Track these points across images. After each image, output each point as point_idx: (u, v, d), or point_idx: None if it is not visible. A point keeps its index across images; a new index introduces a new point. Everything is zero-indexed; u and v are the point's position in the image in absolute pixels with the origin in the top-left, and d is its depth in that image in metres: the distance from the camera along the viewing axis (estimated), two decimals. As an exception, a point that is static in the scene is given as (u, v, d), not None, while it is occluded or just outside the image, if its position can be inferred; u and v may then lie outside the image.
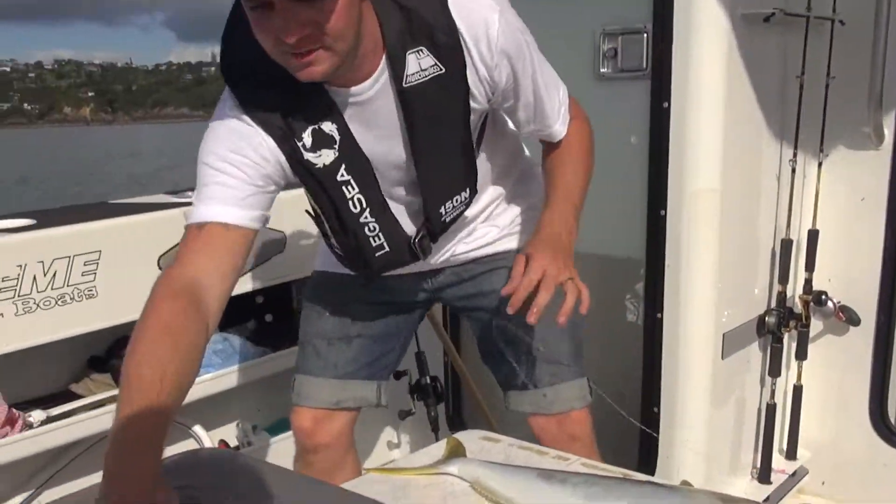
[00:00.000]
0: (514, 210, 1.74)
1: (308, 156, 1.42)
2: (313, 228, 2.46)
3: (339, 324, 1.76)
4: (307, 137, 1.41)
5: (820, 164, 2.28)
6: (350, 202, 1.49)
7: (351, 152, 1.44)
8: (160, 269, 2.20)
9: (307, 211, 1.70)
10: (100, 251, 2.10)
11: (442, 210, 1.55)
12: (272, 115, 1.39)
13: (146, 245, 2.19)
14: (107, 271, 2.12)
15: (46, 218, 2.17)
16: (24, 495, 2.20)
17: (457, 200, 1.56)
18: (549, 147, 1.63)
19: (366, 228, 1.53)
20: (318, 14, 1.20)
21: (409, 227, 1.58)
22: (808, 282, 2.36)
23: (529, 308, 1.35)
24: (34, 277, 2.01)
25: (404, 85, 1.39)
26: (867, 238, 2.34)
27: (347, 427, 1.81)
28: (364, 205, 1.50)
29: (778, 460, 2.45)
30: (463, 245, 1.71)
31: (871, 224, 2.32)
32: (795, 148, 2.24)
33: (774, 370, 2.38)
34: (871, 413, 2.42)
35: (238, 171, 1.36)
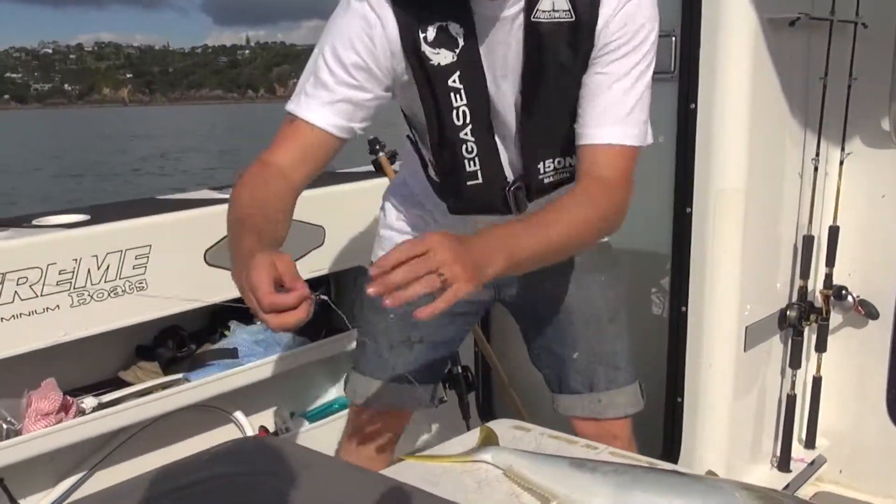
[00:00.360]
0: None
1: (426, 49, 1.37)
2: (352, 222, 2.51)
3: (402, 327, 1.70)
4: (431, 31, 1.36)
5: (841, 163, 2.28)
6: (455, 112, 1.42)
7: (469, 62, 1.39)
8: (206, 262, 2.24)
9: (407, 136, 1.64)
10: (150, 245, 2.14)
11: (541, 167, 1.49)
12: (407, 1, 1.36)
13: (193, 239, 2.23)
14: (156, 264, 2.16)
15: (99, 213, 2.21)
16: (76, 477, 2.25)
17: (559, 163, 1.49)
18: (581, 178, 1.43)
19: (464, 147, 1.45)
20: None
21: (507, 170, 1.51)
22: (829, 276, 2.36)
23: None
24: (88, 271, 2.06)
25: (532, 18, 1.35)
26: (886, 234, 2.34)
27: (400, 426, 1.81)
28: (468, 119, 1.42)
29: (797, 449, 2.45)
30: None
31: (891, 220, 2.32)
32: (818, 147, 2.24)
33: (795, 362, 2.38)
34: (889, 404, 2.42)
35: (342, 73, 1.36)
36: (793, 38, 2.12)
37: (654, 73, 2.11)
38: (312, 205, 2.48)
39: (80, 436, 2.09)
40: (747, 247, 2.16)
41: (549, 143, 1.47)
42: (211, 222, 2.25)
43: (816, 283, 2.39)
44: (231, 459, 1.25)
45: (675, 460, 2.22)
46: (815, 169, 2.26)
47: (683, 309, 2.21)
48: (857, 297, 2.39)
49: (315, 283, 2.60)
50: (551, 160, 1.49)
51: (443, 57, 1.37)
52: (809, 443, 2.48)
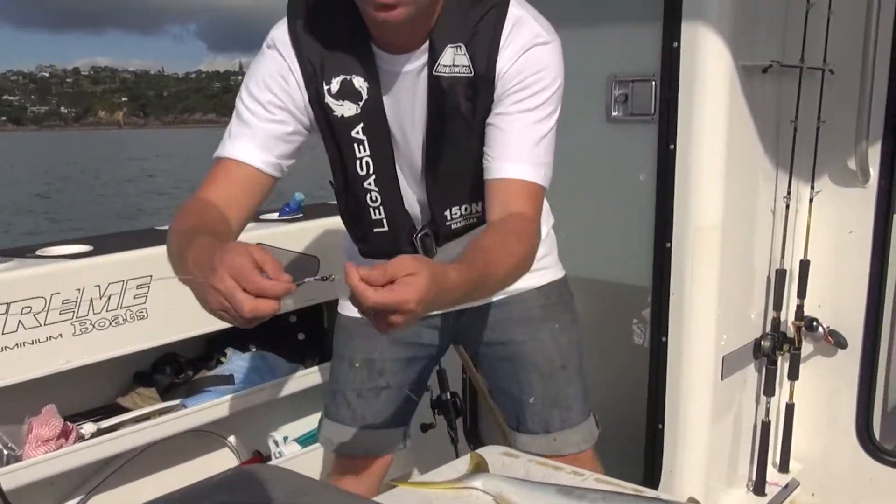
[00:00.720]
0: None
1: (329, 101, 1.39)
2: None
3: (367, 375, 1.72)
4: (335, 83, 1.38)
5: (811, 200, 2.34)
6: (358, 162, 1.43)
7: (373, 115, 1.40)
8: (204, 292, 2.24)
9: (329, 181, 1.60)
10: (150, 275, 2.15)
11: (447, 214, 1.49)
12: (311, 52, 1.38)
13: (192, 270, 2.23)
14: (157, 294, 2.17)
15: (102, 244, 2.22)
16: (76, 501, 2.25)
17: (465, 210, 1.50)
18: (497, 215, 1.38)
19: (368, 197, 1.46)
20: None
21: (414, 217, 1.52)
22: (800, 308, 2.41)
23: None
24: (91, 300, 2.07)
25: (434, 72, 1.37)
26: (854, 268, 2.39)
27: (381, 469, 1.80)
28: (371, 170, 1.43)
29: (772, 473, 2.49)
30: None
31: (858, 255, 2.38)
32: (789, 185, 2.30)
33: (769, 390, 2.43)
34: (858, 430, 2.46)
35: (261, 110, 1.37)
36: (765, 84, 2.19)
37: (636, 114, 2.21)
38: (307, 236, 2.50)
39: (79, 461, 2.09)
40: (724, 280, 2.20)
41: (455, 191, 1.48)
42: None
43: (789, 315, 2.44)
44: (230, 489, 1.26)
45: (655, 485, 2.25)
46: (787, 206, 2.32)
47: (664, 339, 2.24)
48: (828, 327, 2.44)
49: (310, 312, 2.62)
50: (458, 207, 1.49)
51: (346, 109, 1.39)
52: (783, 467, 2.52)
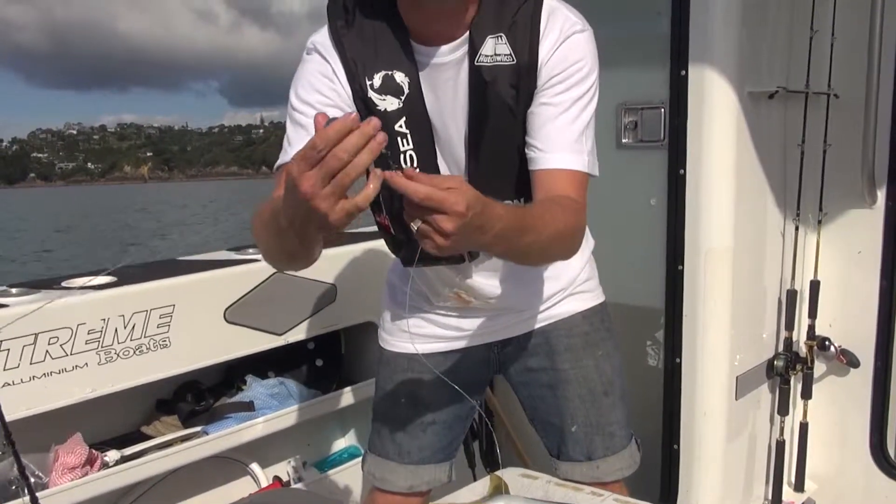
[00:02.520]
0: (576, 264, 1.66)
1: (373, 95, 1.40)
2: (362, 280, 2.57)
3: (414, 411, 1.69)
4: (377, 79, 1.40)
5: (820, 222, 2.38)
6: (402, 156, 1.42)
7: (414, 108, 1.41)
8: (226, 320, 2.29)
9: None
10: (174, 305, 2.19)
11: None
12: (353, 51, 1.40)
13: (214, 298, 2.28)
14: (179, 323, 2.21)
15: (125, 275, 2.26)
16: (99, 528, 2.26)
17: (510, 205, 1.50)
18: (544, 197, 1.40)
19: None
20: None
21: None
22: (812, 328, 2.44)
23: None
24: (116, 330, 2.10)
25: (475, 63, 1.38)
26: (864, 287, 2.42)
27: (417, 502, 1.75)
28: (415, 163, 1.42)
29: (787, 492, 2.50)
30: (523, 291, 1.63)
31: (868, 274, 2.41)
32: (798, 208, 2.34)
33: (783, 409, 2.45)
34: (872, 448, 2.48)
35: (313, 111, 1.35)
36: (771, 109, 2.23)
37: (646, 140, 2.25)
38: (324, 264, 2.54)
39: (104, 488, 2.11)
40: (736, 301, 2.24)
41: (499, 183, 1.46)
42: (230, 282, 2.31)
43: (801, 334, 2.46)
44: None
45: (673, 504, 2.26)
46: (796, 228, 2.36)
47: (678, 360, 2.27)
48: (839, 346, 2.47)
49: (328, 338, 2.66)
50: (502, 202, 1.51)
51: (389, 103, 1.40)
52: (798, 486, 2.53)
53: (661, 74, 2.16)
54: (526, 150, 1.43)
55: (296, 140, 1.40)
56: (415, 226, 1.06)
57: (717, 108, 2.10)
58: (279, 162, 1.41)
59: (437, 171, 1.46)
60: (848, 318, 2.47)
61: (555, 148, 1.39)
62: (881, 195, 2.35)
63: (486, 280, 1.59)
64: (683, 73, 2.10)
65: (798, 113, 2.28)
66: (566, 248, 1.40)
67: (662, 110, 2.19)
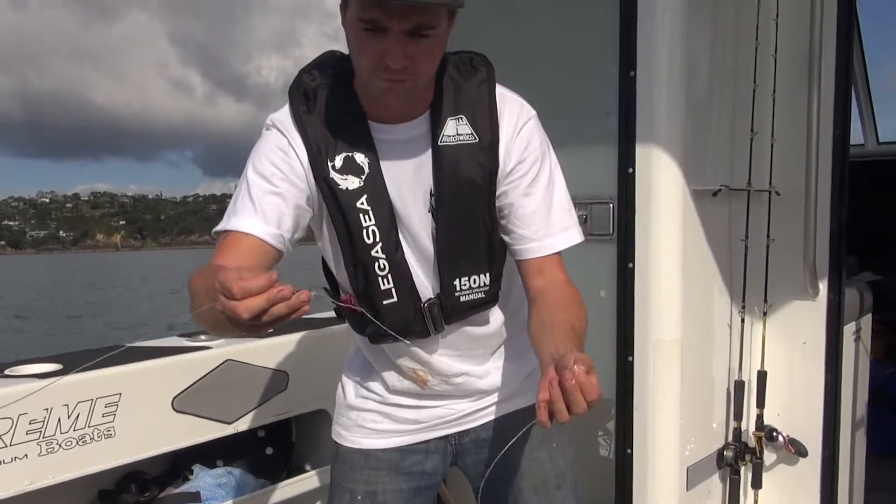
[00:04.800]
0: (535, 359, 1.65)
1: (334, 175, 1.45)
2: (314, 367, 2.55)
3: None
4: (339, 160, 1.45)
5: (765, 314, 2.44)
6: (364, 231, 1.46)
7: (375, 186, 1.46)
8: (174, 409, 2.25)
9: (324, 288, 1.64)
10: (120, 393, 2.15)
11: (456, 284, 1.51)
12: (313, 133, 1.46)
13: (162, 387, 2.25)
14: (125, 412, 2.16)
15: (71, 362, 2.22)
16: None
17: (474, 282, 1.53)
18: (544, 285, 1.50)
19: (376, 265, 1.49)
20: (420, 49, 1.32)
21: (422, 287, 1.53)
22: (760, 417, 2.47)
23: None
24: (59, 419, 2.05)
25: (439, 143, 1.45)
26: (809, 378, 2.47)
27: None
28: (378, 238, 1.47)
29: (740, 583, 2.48)
30: (483, 378, 1.66)
31: (813, 365, 2.46)
32: (743, 300, 2.40)
33: (734, 499, 2.46)
34: (822, 538, 2.48)
35: (263, 182, 1.42)
36: (716, 206, 2.31)
37: (595, 234, 2.31)
38: (276, 351, 2.53)
39: (38, 586, 2.02)
40: (685, 392, 2.26)
41: (463, 259, 1.51)
42: (180, 370, 2.28)
43: (749, 424, 2.49)
44: None
45: None
46: (742, 320, 2.41)
47: (629, 451, 2.28)
48: (788, 436, 2.50)
49: (278, 426, 2.62)
50: (466, 278, 1.52)
51: (350, 182, 1.45)
52: (751, 577, 2.51)
53: (610, 171, 2.23)
54: (507, 239, 1.51)
55: (241, 210, 1.42)
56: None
57: (663, 204, 2.17)
58: (222, 227, 1.43)
59: (399, 245, 1.50)
60: (795, 408, 2.51)
61: (541, 236, 1.50)
62: (823, 288, 2.42)
63: (444, 357, 1.61)
64: (630, 170, 2.17)
65: (741, 209, 2.36)
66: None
67: (611, 205, 2.25)
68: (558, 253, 1.52)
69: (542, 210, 1.50)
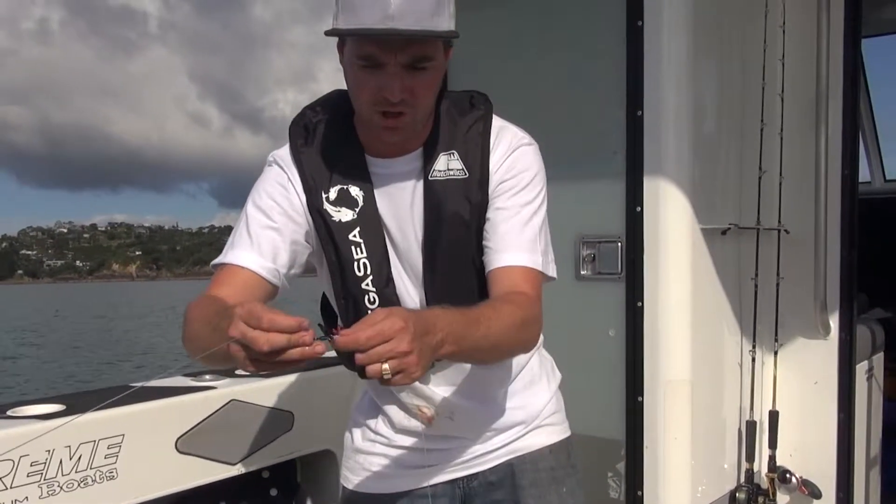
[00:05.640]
0: (542, 396, 1.68)
1: (328, 207, 1.46)
2: (320, 407, 2.52)
3: None
4: (333, 192, 1.47)
5: (776, 353, 2.42)
6: (356, 263, 1.47)
7: (368, 219, 1.47)
8: (178, 450, 2.22)
9: (318, 325, 1.60)
10: (123, 434, 2.12)
11: None
12: (309, 165, 1.48)
13: (166, 427, 2.22)
14: (128, 453, 2.13)
15: (74, 403, 2.20)
16: None
17: None
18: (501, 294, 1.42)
19: (366, 298, 1.49)
20: (418, 82, 1.33)
21: None
22: (773, 458, 2.43)
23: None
24: (60, 461, 2.02)
25: (430, 177, 1.46)
26: (822, 417, 2.44)
27: None
28: (369, 271, 1.47)
29: None
30: (488, 415, 1.62)
31: (825, 405, 2.43)
32: (754, 339, 2.38)
33: (747, 543, 2.40)
34: (837, 581, 2.43)
35: (262, 217, 1.44)
36: (725, 245, 2.30)
37: (603, 273, 2.30)
38: (281, 391, 2.50)
39: None
40: (696, 432, 2.23)
41: (452, 292, 1.48)
42: (184, 410, 2.24)
43: (762, 465, 2.45)
44: None
45: None
46: (753, 359, 2.39)
47: (639, 493, 2.24)
48: (801, 477, 2.46)
49: (283, 467, 2.58)
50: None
51: (344, 214, 1.47)
52: None
53: (618, 210, 2.22)
54: (483, 254, 1.48)
55: (238, 244, 1.44)
56: (386, 375, 1.08)
57: (671, 243, 2.16)
58: (219, 260, 1.45)
59: (391, 279, 1.49)
60: (808, 449, 2.47)
61: (508, 247, 1.45)
62: (834, 326, 2.40)
63: (443, 391, 1.59)
64: (638, 209, 2.17)
65: (751, 247, 2.35)
66: (521, 340, 1.42)
67: (619, 244, 2.24)
68: (529, 270, 1.44)
69: (514, 224, 1.46)
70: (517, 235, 1.45)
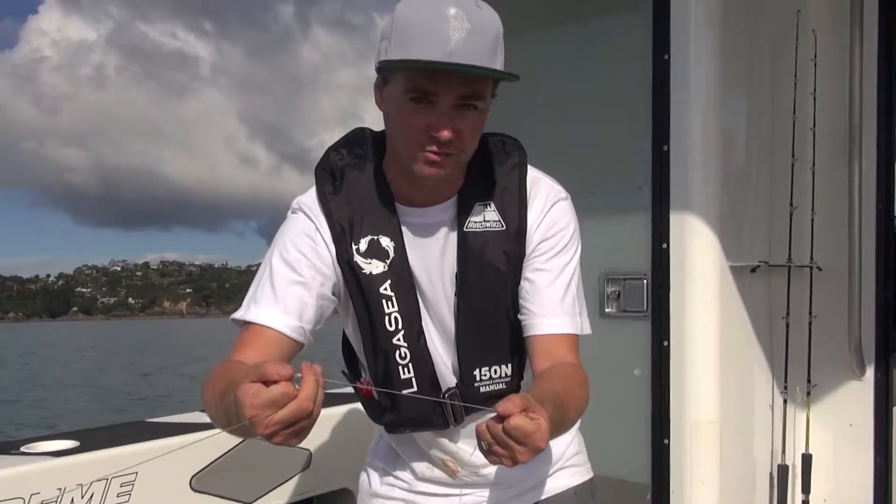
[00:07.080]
0: (564, 438, 1.62)
1: (358, 259, 1.40)
2: (338, 445, 2.48)
3: None
4: (363, 243, 1.40)
5: (809, 394, 2.33)
6: (387, 318, 1.41)
7: (399, 271, 1.41)
8: (192, 488, 2.18)
9: (342, 371, 1.60)
10: (136, 472, 2.09)
11: (476, 374, 1.45)
12: (338, 214, 1.41)
13: (181, 465, 2.18)
14: (141, 491, 2.09)
15: (88, 439, 2.17)
16: None
17: (495, 372, 1.46)
18: (550, 368, 1.38)
19: (397, 353, 1.43)
20: (467, 122, 1.29)
21: (443, 376, 1.46)
22: (806, 503, 2.33)
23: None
24: (72, 500, 1.99)
25: (465, 229, 1.41)
26: (858, 462, 2.35)
27: None
28: (400, 325, 1.41)
29: None
30: (515, 470, 1.62)
31: (861, 448, 2.35)
32: (785, 380, 2.30)
33: None
34: None
35: (291, 273, 1.37)
36: (755, 282, 2.23)
37: (629, 311, 2.24)
38: (300, 428, 2.45)
39: None
40: (724, 476, 2.15)
41: (485, 348, 1.45)
42: (199, 447, 2.20)
43: (794, 512, 2.36)
44: None
45: None
46: (785, 401, 2.31)
47: (666, 539, 2.16)
48: (835, 525, 2.36)
49: (300, 506, 2.53)
50: (487, 368, 1.46)
51: (374, 267, 1.40)
52: None
53: (644, 246, 2.17)
54: (520, 316, 1.43)
55: (262, 299, 1.37)
56: (484, 444, 1.05)
57: (698, 281, 2.10)
58: (241, 316, 1.37)
59: (422, 334, 1.44)
60: (843, 494, 2.38)
61: (552, 313, 1.40)
62: (870, 366, 2.32)
63: (469, 447, 1.52)
64: (665, 245, 2.11)
65: (782, 285, 2.28)
66: (582, 413, 1.38)
67: (645, 281, 2.19)
68: (572, 337, 1.41)
69: (557, 288, 1.42)
70: (560, 301, 1.41)
